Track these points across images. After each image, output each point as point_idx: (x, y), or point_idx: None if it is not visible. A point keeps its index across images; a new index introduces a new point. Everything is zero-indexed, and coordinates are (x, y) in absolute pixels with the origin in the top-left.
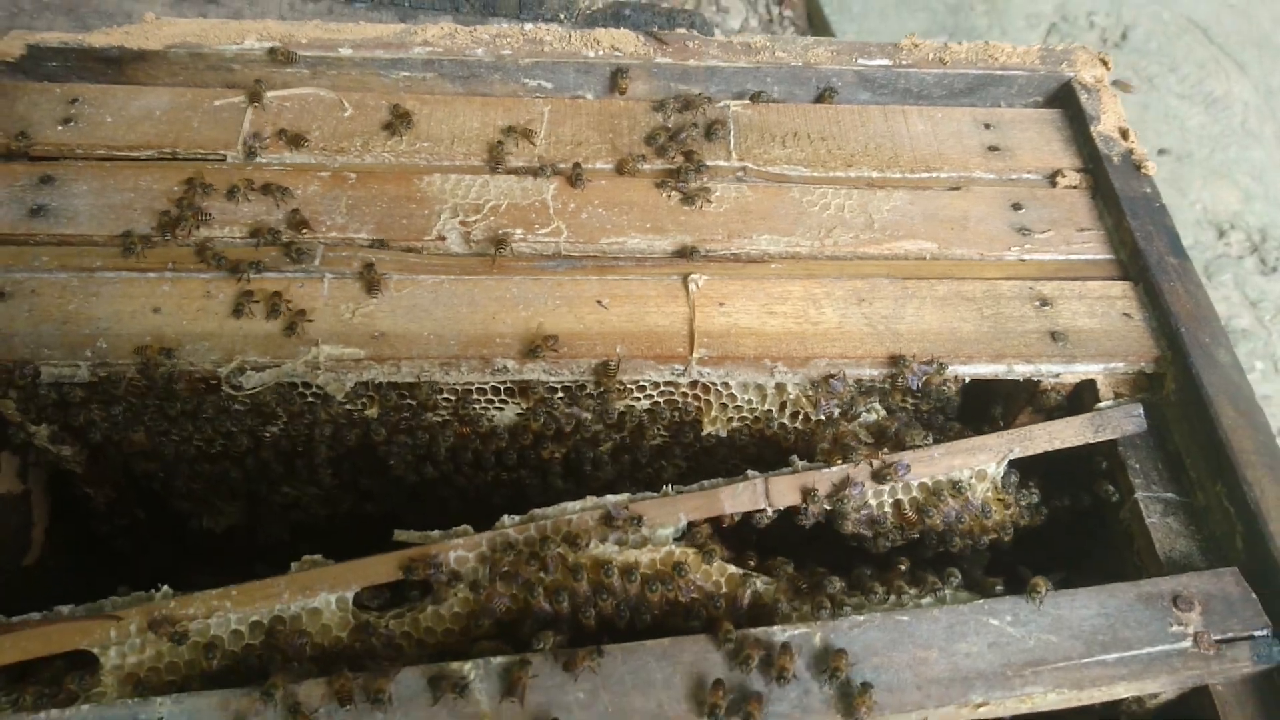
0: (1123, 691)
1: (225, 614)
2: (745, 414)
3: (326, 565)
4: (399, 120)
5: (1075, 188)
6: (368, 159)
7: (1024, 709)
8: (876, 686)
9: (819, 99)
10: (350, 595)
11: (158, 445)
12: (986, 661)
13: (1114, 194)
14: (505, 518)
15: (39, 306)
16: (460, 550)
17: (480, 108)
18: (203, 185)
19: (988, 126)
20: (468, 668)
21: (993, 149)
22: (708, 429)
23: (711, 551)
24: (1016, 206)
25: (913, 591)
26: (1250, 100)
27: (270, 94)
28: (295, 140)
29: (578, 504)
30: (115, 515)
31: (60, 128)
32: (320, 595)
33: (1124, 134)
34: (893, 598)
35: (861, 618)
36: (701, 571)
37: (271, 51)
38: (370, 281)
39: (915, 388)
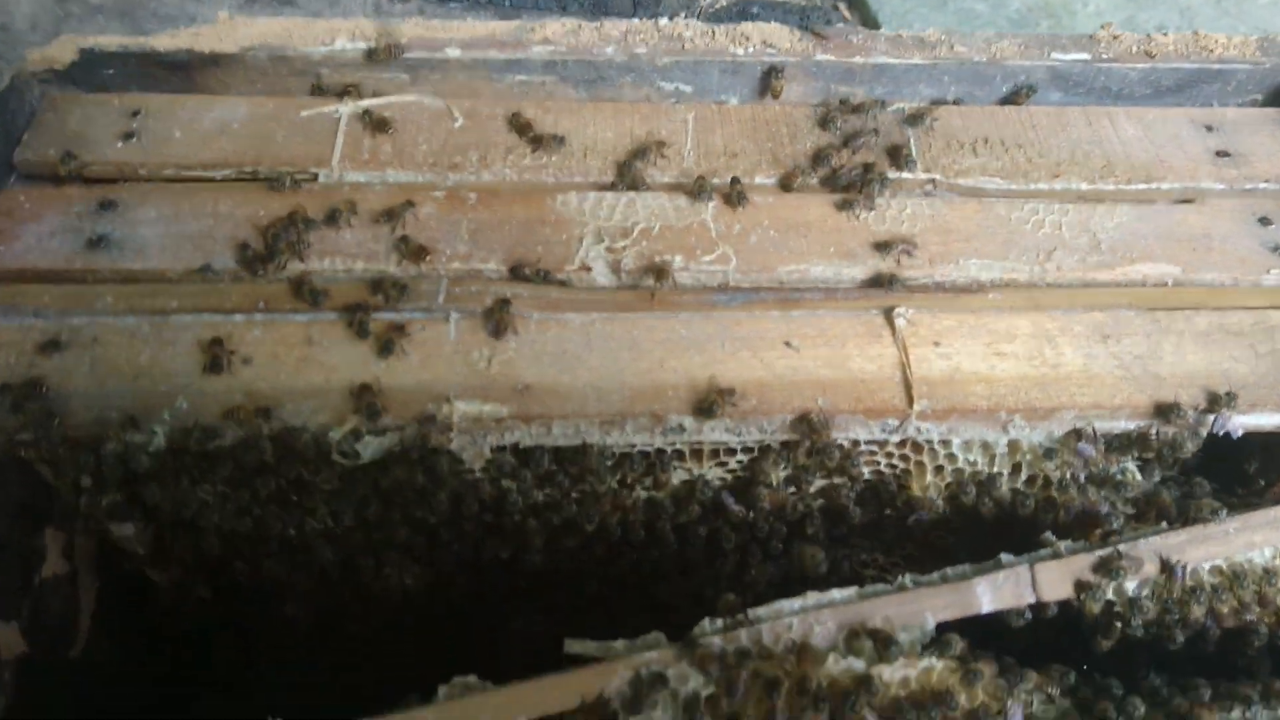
0: None
1: None
2: (964, 479)
3: (484, 690)
4: (523, 133)
5: None
6: (486, 176)
7: None
8: None
9: (1006, 100)
10: None
11: (238, 524)
12: None
13: None
14: (705, 622)
15: (103, 359)
16: (655, 666)
17: (612, 115)
18: (302, 216)
19: (1210, 129)
20: None
21: (1221, 154)
22: (918, 494)
23: (977, 672)
24: (1264, 221)
25: (1239, 712)
26: None
27: (366, 102)
28: (400, 155)
29: (795, 602)
30: (179, 598)
31: (120, 144)
32: None
33: None
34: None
35: None
36: (967, 695)
37: (370, 53)
38: (500, 323)
39: (1190, 443)
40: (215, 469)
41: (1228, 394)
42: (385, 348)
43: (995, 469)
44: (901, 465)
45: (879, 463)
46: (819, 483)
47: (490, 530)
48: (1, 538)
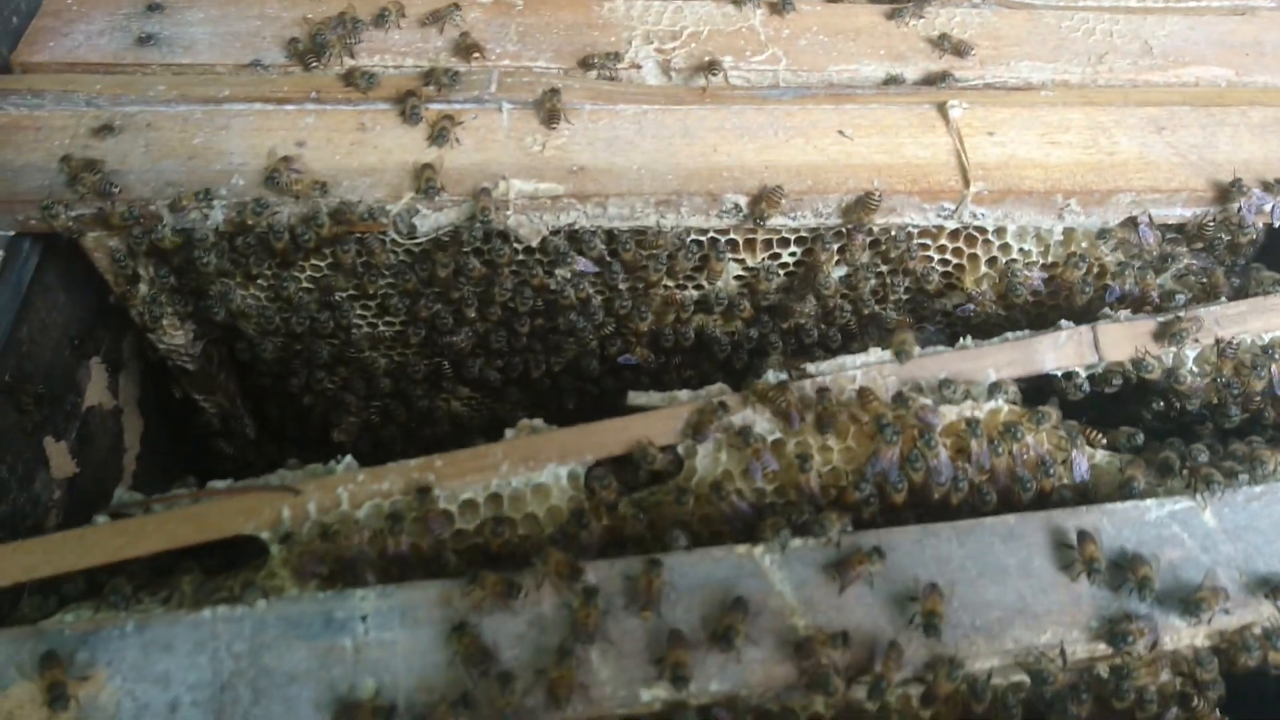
0: None
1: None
2: (1019, 270)
3: (551, 431)
4: None
5: None
6: None
7: None
8: None
9: None
10: (582, 470)
11: (293, 322)
12: None
13: None
14: (769, 374)
15: (158, 141)
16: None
17: None
18: (351, 16)
19: None
20: (759, 551)
21: None
22: (970, 289)
23: (1044, 414)
24: None
25: None
26: None
27: None
28: None
29: (858, 358)
30: (227, 432)
31: None
32: (548, 467)
33: None
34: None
35: (1259, 489)
36: (1035, 437)
37: None
38: (551, 111)
39: (1252, 223)
40: (271, 251)
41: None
42: (439, 135)
43: (1051, 259)
44: (955, 260)
45: (932, 259)
46: (872, 280)
47: (543, 333)
48: (49, 360)
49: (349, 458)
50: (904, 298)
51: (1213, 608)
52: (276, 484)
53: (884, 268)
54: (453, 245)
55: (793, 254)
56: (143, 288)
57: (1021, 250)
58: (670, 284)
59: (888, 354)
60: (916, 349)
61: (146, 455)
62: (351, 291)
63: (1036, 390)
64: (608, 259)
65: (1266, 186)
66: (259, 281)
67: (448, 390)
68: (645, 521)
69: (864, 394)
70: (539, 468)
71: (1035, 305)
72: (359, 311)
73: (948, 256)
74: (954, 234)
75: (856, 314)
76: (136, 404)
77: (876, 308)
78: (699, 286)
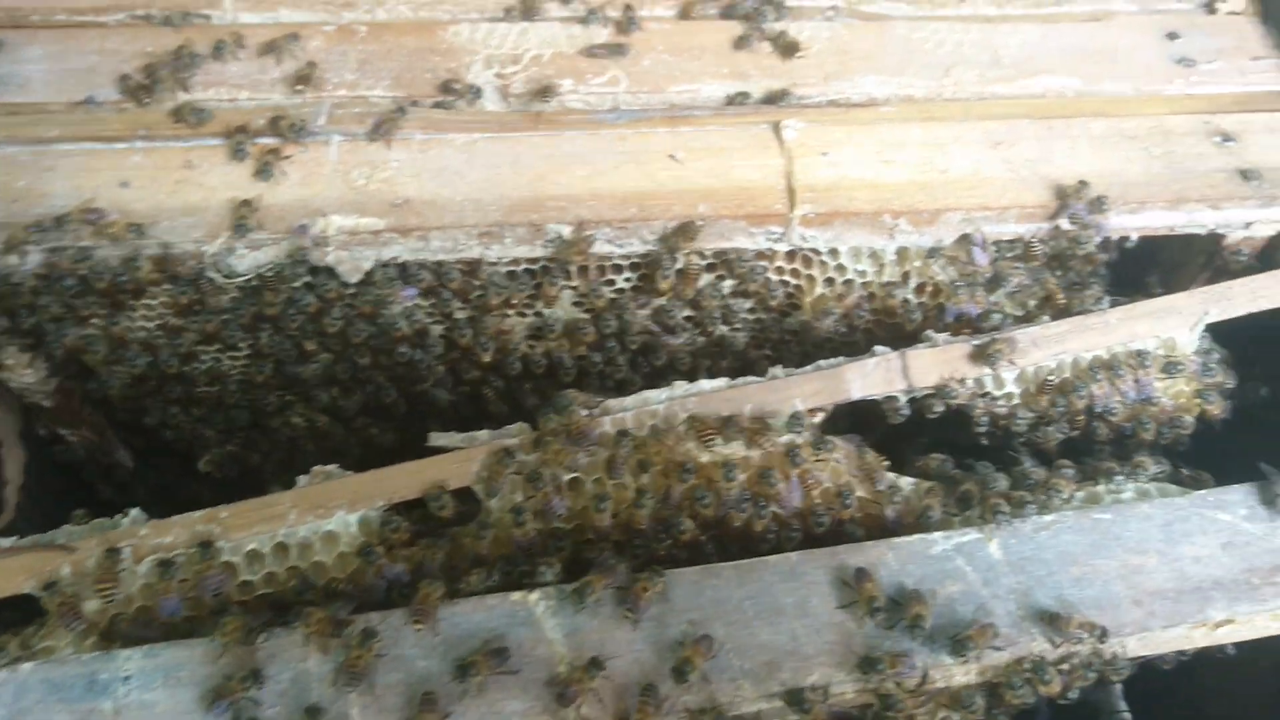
0: None
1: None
2: (857, 291)
3: (344, 477)
4: None
5: (1240, 13)
6: (380, 13)
7: (1276, 629)
8: (1081, 603)
9: None
10: (376, 514)
11: (129, 358)
12: (1223, 567)
13: None
14: (552, 415)
15: None
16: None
17: None
18: (188, 50)
19: None
20: (533, 599)
21: None
22: (808, 314)
23: (828, 444)
24: (1172, 36)
25: (1105, 486)
26: None
27: None
28: None
29: (663, 392)
30: (98, 462)
31: None
32: (337, 515)
33: None
34: (1079, 494)
35: (1049, 518)
36: (820, 465)
37: None
38: (383, 125)
39: (1086, 231)
40: (98, 294)
41: (1099, 196)
42: (264, 170)
43: (885, 279)
44: (793, 281)
45: (771, 280)
46: (714, 303)
47: (386, 365)
48: None
49: (136, 511)
50: (749, 319)
51: (980, 645)
52: (60, 541)
53: (725, 290)
54: (279, 283)
55: (628, 279)
56: None
57: (857, 270)
58: (508, 312)
59: (691, 388)
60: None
61: (32, 486)
62: (191, 330)
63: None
64: (437, 288)
65: (1091, 205)
66: (93, 321)
67: (307, 419)
68: (444, 552)
69: (658, 433)
70: (328, 515)
71: (883, 327)
72: (203, 348)
73: (786, 278)
74: (790, 255)
75: (705, 336)
76: (18, 436)
77: (724, 329)
78: (538, 314)
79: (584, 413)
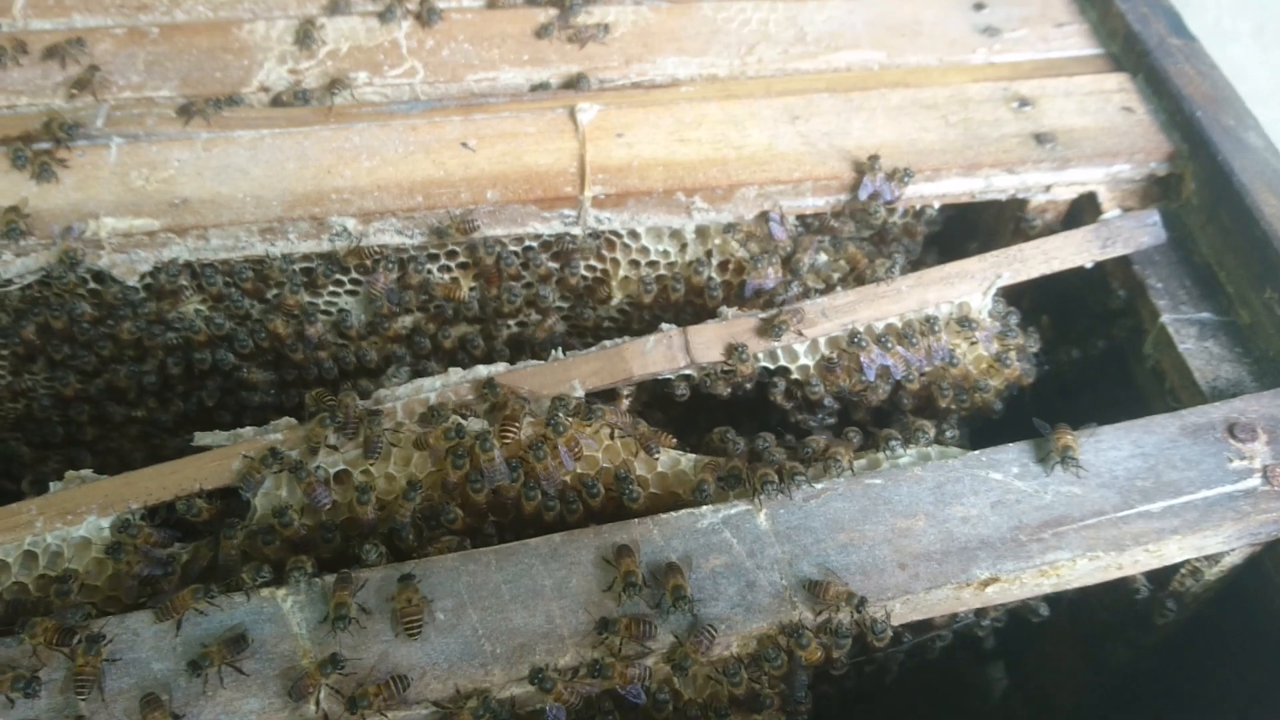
0: (1176, 552)
1: None
2: (663, 273)
3: (96, 481)
4: None
5: None
6: (178, 15)
7: (1047, 586)
8: (846, 570)
9: None
10: (133, 518)
11: None
12: (991, 526)
13: None
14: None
15: None
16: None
17: None
18: None
19: None
20: (281, 594)
21: None
22: (616, 297)
23: (598, 412)
24: (978, 6)
25: (884, 452)
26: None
27: None
28: (87, 0)
29: (437, 380)
30: None
31: None
32: (87, 520)
33: None
34: (856, 465)
35: (820, 485)
36: (588, 433)
37: None
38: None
39: (874, 202)
40: None
41: (902, 169)
42: (42, 171)
43: (689, 258)
44: (598, 265)
45: (575, 265)
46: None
47: (195, 370)
48: None
49: None
50: (560, 305)
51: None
52: None
53: (525, 278)
54: (55, 290)
55: (427, 270)
56: None
57: (660, 251)
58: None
59: (467, 374)
60: (488, 369)
61: None
62: None
63: None
64: (225, 290)
65: (890, 174)
66: None
67: (126, 431)
68: (206, 559)
69: (423, 418)
70: (78, 521)
71: (693, 307)
72: None
73: (591, 261)
74: (592, 237)
75: (520, 324)
76: None
77: (536, 318)
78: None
79: (360, 402)
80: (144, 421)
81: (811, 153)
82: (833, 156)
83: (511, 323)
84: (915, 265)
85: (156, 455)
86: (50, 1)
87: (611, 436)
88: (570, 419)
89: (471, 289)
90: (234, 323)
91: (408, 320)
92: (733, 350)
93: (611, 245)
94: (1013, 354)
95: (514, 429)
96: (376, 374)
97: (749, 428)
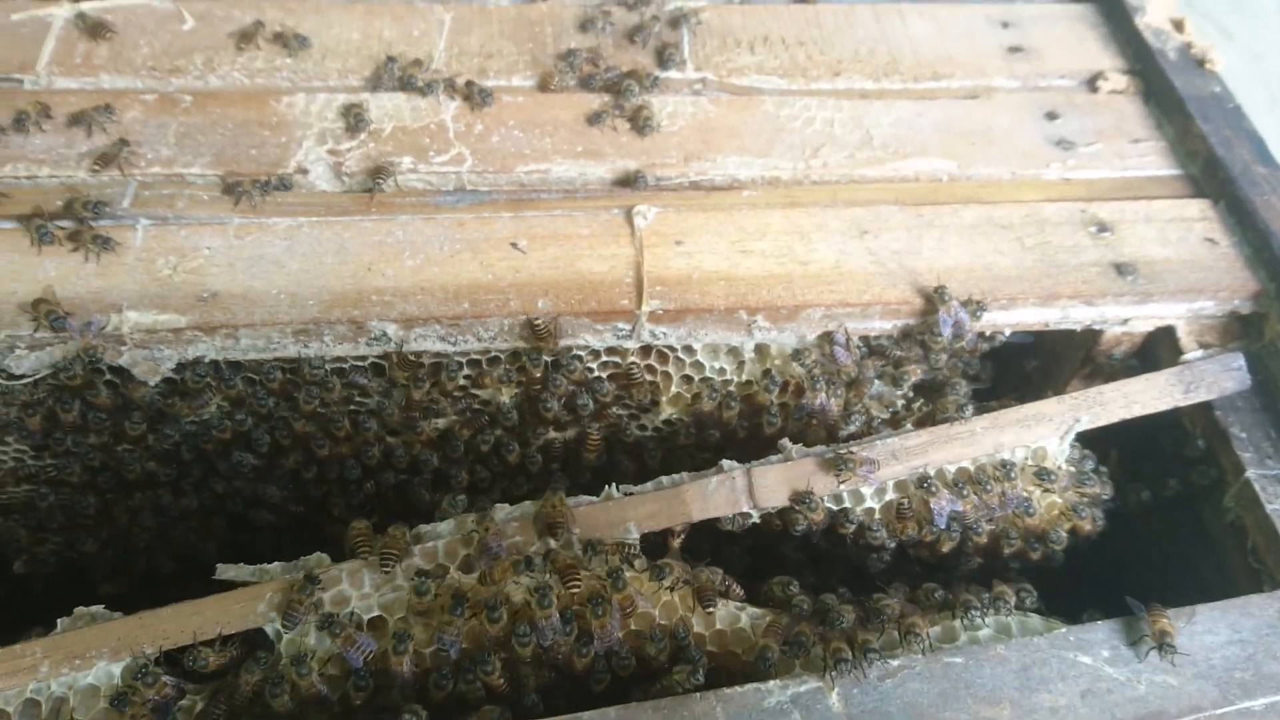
0: None
1: None
2: (716, 391)
3: (108, 620)
4: (254, 36)
5: (1121, 92)
6: (212, 80)
7: None
8: None
9: None
10: (145, 663)
11: None
12: (1081, 719)
13: (1174, 96)
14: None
15: None
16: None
17: (362, 16)
18: None
19: (1005, 25)
20: None
21: (1014, 50)
22: (666, 412)
23: (666, 570)
24: (1051, 116)
25: (961, 621)
26: (1238, 67)
27: (85, 4)
28: (116, 59)
29: (470, 517)
30: None
31: None
32: (97, 666)
33: (1178, 26)
34: (931, 632)
35: (896, 663)
36: (650, 595)
37: None
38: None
39: (947, 337)
40: None
41: (977, 302)
42: (100, 243)
43: (745, 378)
44: (648, 379)
45: (626, 377)
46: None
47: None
48: None
49: None
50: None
51: None
52: None
53: (568, 388)
54: (69, 385)
55: (467, 376)
56: None
57: (715, 369)
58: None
59: (515, 510)
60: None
61: None
62: None
63: None
64: (247, 390)
65: (964, 301)
66: None
67: (133, 520)
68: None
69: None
70: (87, 666)
71: (743, 427)
72: None
73: (642, 376)
74: (644, 351)
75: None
76: None
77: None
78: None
79: (408, 541)
80: (151, 509)
81: (881, 273)
82: (903, 279)
83: (551, 430)
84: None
85: (164, 536)
86: (77, 60)
87: (671, 590)
88: (633, 575)
89: (513, 396)
90: (255, 420)
91: (440, 423)
92: (801, 499)
93: (664, 359)
94: (1088, 505)
95: (577, 580)
96: (403, 473)
97: (796, 563)
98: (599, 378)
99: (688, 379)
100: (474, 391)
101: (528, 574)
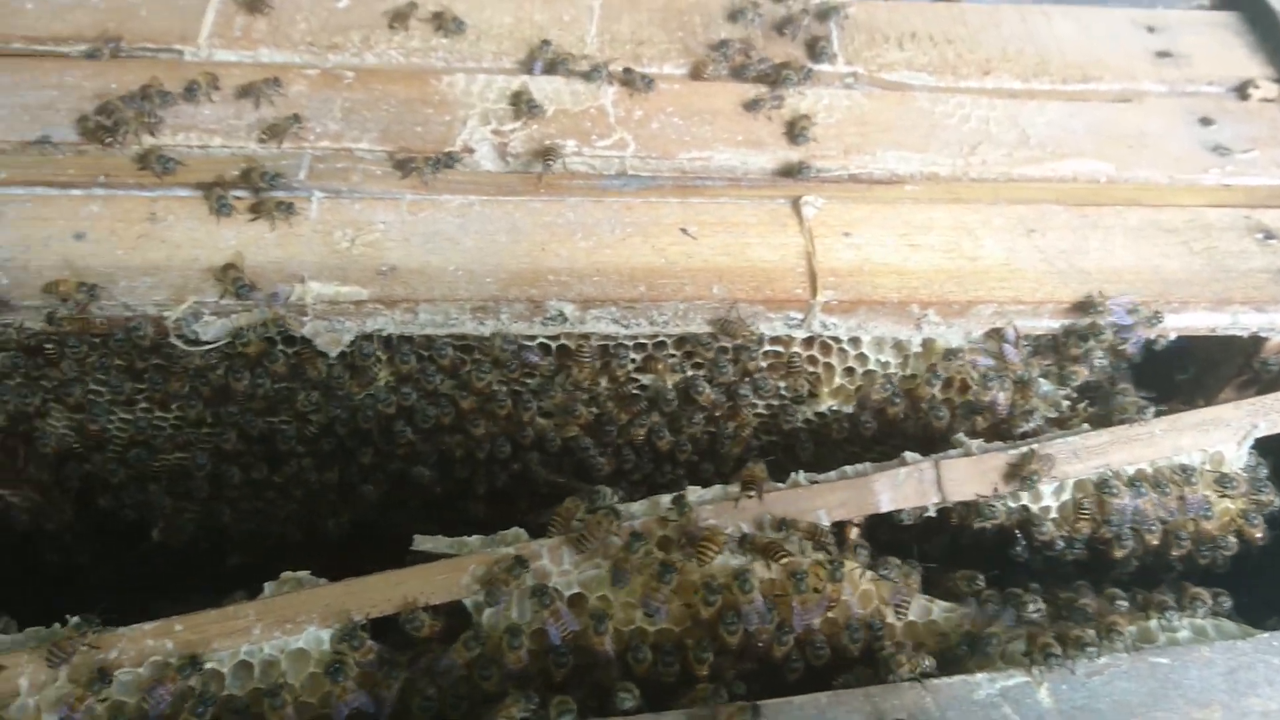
0: None
1: (167, 659)
2: (891, 383)
3: (317, 586)
4: (409, 13)
5: (1273, 100)
6: (369, 58)
7: None
8: None
9: None
10: (353, 630)
11: (85, 424)
12: None
13: None
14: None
15: None
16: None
17: (513, 0)
18: (157, 89)
19: (1151, 30)
20: None
21: (1162, 55)
22: (826, 403)
23: (889, 568)
24: (1205, 121)
25: (1159, 622)
26: None
27: None
28: (275, 33)
29: (666, 498)
30: (41, 523)
31: None
32: (307, 630)
33: None
34: (1131, 629)
35: (1103, 660)
36: (834, 589)
37: None
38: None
39: (1130, 341)
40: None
41: (1153, 310)
42: (284, 208)
43: (909, 371)
44: (809, 368)
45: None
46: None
47: (355, 442)
48: None
49: (75, 618)
50: (759, 407)
51: None
52: None
53: (734, 376)
54: (247, 353)
55: (632, 360)
56: None
57: (879, 361)
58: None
59: (707, 492)
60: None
61: None
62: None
63: None
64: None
65: (1131, 310)
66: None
67: (279, 489)
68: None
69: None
70: (298, 630)
71: (902, 421)
72: (161, 414)
73: (802, 364)
74: (807, 341)
75: (711, 423)
76: None
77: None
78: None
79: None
80: (298, 482)
81: (1051, 272)
82: (1074, 278)
83: (701, 418)
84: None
85: (308, 508)
86: (237, 33)
87: (872, 580)
88: (848, 567)
89: (675, 383)
90: (419, 396)
91: (593, 405)
92: (992, 489)
93: (827, 350)
94: (1258, 512)
95: (784, 554)
96: (554, 456)
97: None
98: (764, 366)
99: (850, 371)
100: (635, 375)
101: (734, 553)
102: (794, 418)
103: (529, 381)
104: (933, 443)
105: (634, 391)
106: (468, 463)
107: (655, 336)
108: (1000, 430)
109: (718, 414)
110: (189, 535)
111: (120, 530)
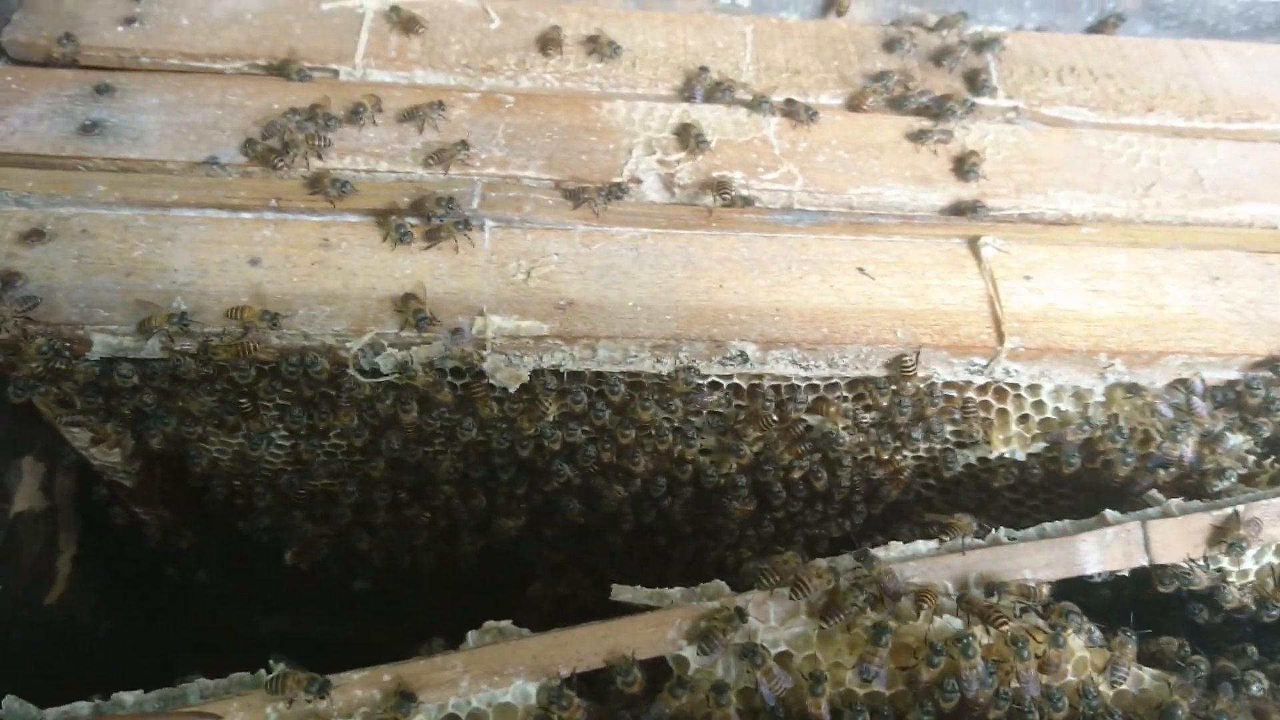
0: None
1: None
2: (1054, 430)
3: (520, 638)
4: (556, 37)
5: None
6: (524, 81)
7: None
8: None
9: (1092, 30)
10: (558, 684)
11: (244, 450)
12: None
13: None
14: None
15: (93, 251)
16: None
17: (663, 25)
18: (324, 111)
19: None
20: None
21: None
22: (998, 450)
23: (1060, 628)
24: None
25: None
26: None
27: None
28: (429, 55)
29: (879, 551)
30: (168, 541)
31: (121, 29)
32: (514, 684)
33: None
34: None
35: None
36: (1054, 655)
37: None
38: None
39: None
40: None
41: None
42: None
43: (1089, 418)
44: (982, 415)
45: (954, 413)
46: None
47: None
48: None
49: (281, 666)
50: (922, 451)
51: None
52: (193, 705)
53: (909, 420)
54: (420, 385)
55: (803, 401)
56: (66, 409)
57: (1058, 410)
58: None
59: (908, 549)
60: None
61: (85, 556)
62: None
63: None
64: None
65: None
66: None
67: (418, 518)
68: None
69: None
70: (505, 683)
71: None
72: (318, 442)
73: (974, 410)
74: (982, 388)
75: (873, 465)
76: (72, 502)
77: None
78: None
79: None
80: (444, 511)
81: (1241, 323)
82: (1265, 330)
83: (865, 458)
84: None
85: (447, 536)
86: (392, 53)
87: (1087, 647)
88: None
89: (845, 425)
90: (585, 432)
91: (759, 444)
92: (1200, 552)
93: (1002, 396)
94: None
95: (1004, 620)
96: (711, 494)
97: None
98: (940, 411)
99: (1024, 419)
100: (803, 416)
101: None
102: (954, 463)
103: (694, 420)
104: (1101, 493)
105: (801, 432)
106: (621, 499)
107: (829, 378)
108: (1184, 486)
109: (884, 456)
110: (321, 558)
111: (248, 549)
